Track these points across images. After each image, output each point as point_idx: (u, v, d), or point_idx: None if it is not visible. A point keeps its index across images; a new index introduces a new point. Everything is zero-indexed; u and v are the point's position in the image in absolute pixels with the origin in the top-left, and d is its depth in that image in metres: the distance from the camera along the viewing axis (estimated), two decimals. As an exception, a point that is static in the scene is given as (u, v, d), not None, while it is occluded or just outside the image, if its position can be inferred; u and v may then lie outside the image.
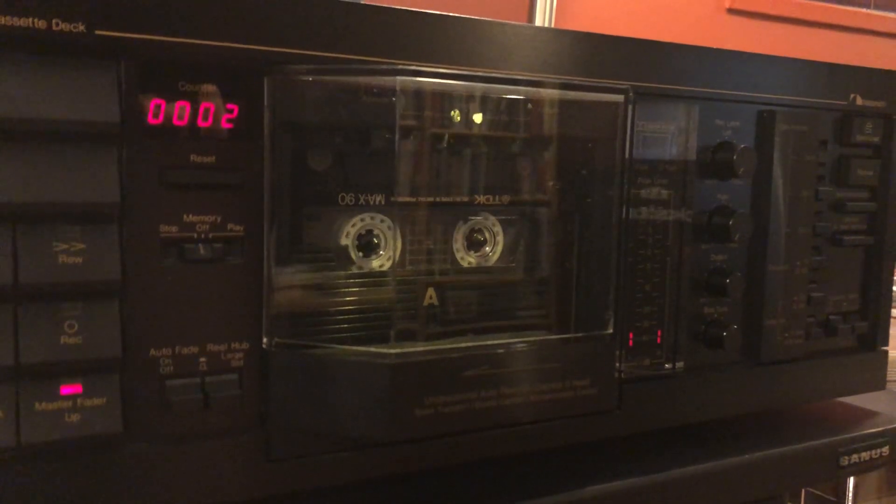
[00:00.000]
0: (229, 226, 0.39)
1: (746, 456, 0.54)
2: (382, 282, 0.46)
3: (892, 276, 0.63)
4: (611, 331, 0.49)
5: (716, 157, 0.53)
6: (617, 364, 0.49)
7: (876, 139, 0.60)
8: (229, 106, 0.39)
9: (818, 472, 0.59)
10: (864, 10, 1.84)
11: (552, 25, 1.39)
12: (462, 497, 0.47)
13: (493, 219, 0.49)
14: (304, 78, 0.40)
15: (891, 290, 0.63)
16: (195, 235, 0.38)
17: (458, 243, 0.48)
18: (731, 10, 1.67)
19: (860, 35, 1.84)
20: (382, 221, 0.45)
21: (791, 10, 1.73)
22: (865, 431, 0.60)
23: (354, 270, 0.45)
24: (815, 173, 0.57)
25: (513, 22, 0.45)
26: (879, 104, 0.60)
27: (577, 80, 0.47)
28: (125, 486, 0.37)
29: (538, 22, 1.37)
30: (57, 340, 0.35)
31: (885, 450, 0.61)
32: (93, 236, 0.35)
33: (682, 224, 0.51)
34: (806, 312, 0.58)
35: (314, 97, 0.41)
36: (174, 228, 0.38)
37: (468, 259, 0.49)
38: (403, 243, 0.46)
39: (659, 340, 0.52)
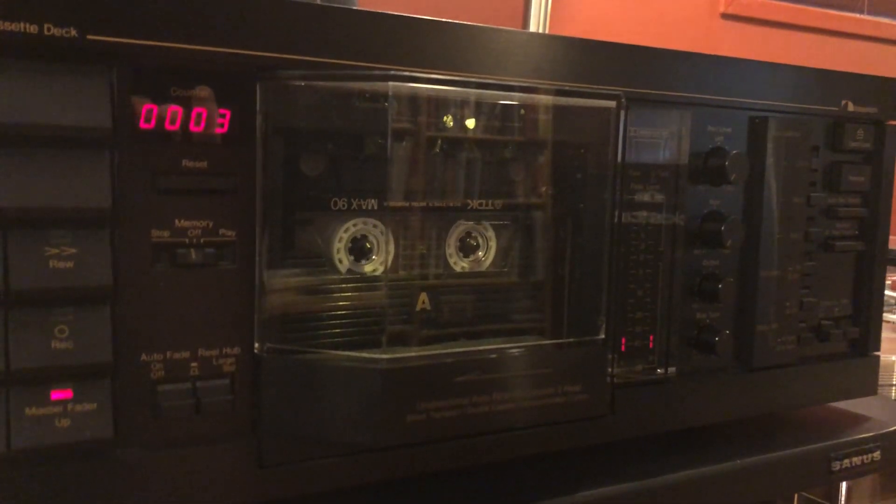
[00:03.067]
0: (221, 231, 0.39)
1: (738, 461, 0.54)
2: (375, 287, 0.46)
3: (884, 281, 0.63)
4: (603, 336, 0.49)
5: (708, 162, 0.53)
6: (609, 369, 0.49)
7: (868, 145, 0.60)
8: (221, 111, 0.39)
9: (810, 477, 0.59)
10: (857, 14, 1.85)
11: (546, 30, 1.39)
12: (454, 502, 0.47)
13: (486, 224, 0.49)
14: (297, 83, 0.40)
15: (882, 296, 0.63)
16: (187, 240, 0.38)
17: (451, 248, 0.48)
18: (725, 15, 1.67)
19: (853, 40, 1.84)
20: (375, 226, 0.45)
21: (785, 15, 1.73)
22: (857, 436, 0.60)
23: (347, 275, 0.45)
24: (807, 179, 0.57)
25: (506, 28, 0.45)
26: (871, 110, 0.60)
27: (569, 85, 0.47)
28: (116, 492, 0.37)
29: (532, 27, 1.37)
30: (48, 345, 0.35)
31: (877, 455, 0.61)
32: (84, 241, 0.35)
33: (674, 229, 0.51)
34: (798, 318, 0.58)
35: (307, 102, 0.41)
36: (166, 233, 0.38)
37: (461, 264, 0.49)
38: (396, 248, 0.46)
39: (651, 346, 0.52)
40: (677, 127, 0.51)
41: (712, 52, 0.53)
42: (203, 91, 0.38)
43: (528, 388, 0.46)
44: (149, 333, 0.38)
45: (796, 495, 0.86)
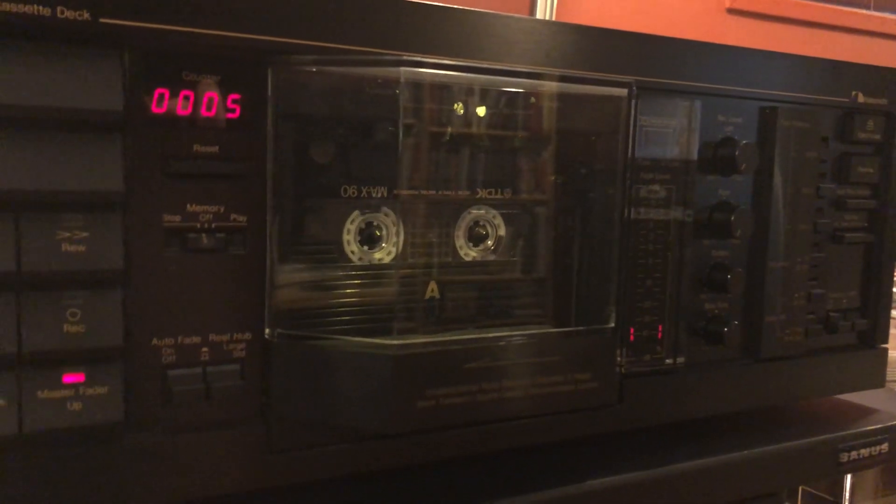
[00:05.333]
0: (232, 216, 0.39)
1: (746, 452, 0.54)
2: (384, 274, 0.46)
3: (893, 274, 0.63)
4: (612, 325, 0.49)
5: (718, 152, 0.53)
6: (618, 359, 0.49)
7: (877, 136, 0.60)
8: (233, 96, 0.39)
9: (818, 468, 0.59)
10: (863, 10, 1.85)
11: (553, 20, 1.39)
12: (463, 489, 0.47)
13: (495, 212, 0.49)
14: (308, 69, 0.40)
15: (891, 289, 0.63)
16: (198, 225, 0.38)
17: (461, 237, 0.48)
18: (730, 10, 1.67)
19: (860, 36, 1.84)
20: (385, 214, 0.45)
21: (790, 11, 1.73)
22: (865, 428, 0.60)
23: (356, 263, 0.45)
24: (816, 170, 0.57)
25: (516, 14, 0.45)
26: (881, 101, 0.60)
27: (581, 73, 0.47)
28: (126, 475, 0.37)
29: (539, 16, 1.37)
30: (59, 329, 0.35)
31: (885, 447, 0.61)
32: (96, 225, 0.35)
33: (683, 219, 0.51)
34: (806, 309, 0.58)
35: (318, 88, 0.41)
36: (177, 218, 0.38)
37: (470, 252, 0.49)
38: (406, 236, 0.46)
39: (660, 336, 0.52)
40: (687, 116, 0.51)
41: (719, 45, 0.53)
42: (215, 76, 0.38)
43: (536, 375, 0.46)
44: (160, 318, 0.38)
45: (801, 490, 0.86)
